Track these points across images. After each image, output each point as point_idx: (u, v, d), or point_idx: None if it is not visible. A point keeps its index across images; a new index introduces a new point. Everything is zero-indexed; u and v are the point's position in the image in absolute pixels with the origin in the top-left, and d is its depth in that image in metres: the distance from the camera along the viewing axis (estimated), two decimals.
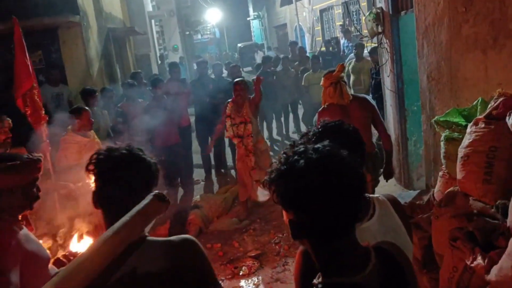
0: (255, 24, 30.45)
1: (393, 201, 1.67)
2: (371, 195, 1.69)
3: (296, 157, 1.13)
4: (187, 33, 24.05)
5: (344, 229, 1.14)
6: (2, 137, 3.94)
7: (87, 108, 4.75)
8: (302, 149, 1.16)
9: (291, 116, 9.24)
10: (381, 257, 1.18)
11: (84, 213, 3.25)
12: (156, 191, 1.46)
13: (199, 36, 34.57)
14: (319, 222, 1.10)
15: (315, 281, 1.17)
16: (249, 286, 4.21)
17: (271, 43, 24.73)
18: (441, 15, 3.67)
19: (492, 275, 2.01)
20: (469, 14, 3.37)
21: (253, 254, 4.71)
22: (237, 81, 5.60)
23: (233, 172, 7.41)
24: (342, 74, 3.90)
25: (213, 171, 7.43)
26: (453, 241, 2.38)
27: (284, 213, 1.19)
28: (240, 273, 4.40)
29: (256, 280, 4.28)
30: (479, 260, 2.16)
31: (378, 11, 5.31)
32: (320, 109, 4.03)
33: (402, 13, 4.91)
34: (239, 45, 26.75)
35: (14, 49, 4.06)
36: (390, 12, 5.06)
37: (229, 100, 5.60)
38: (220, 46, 35.05)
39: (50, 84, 6.99)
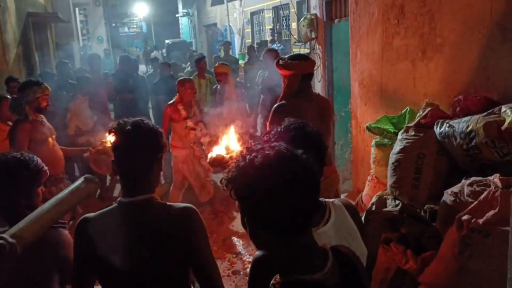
0: (184, 22, 29.99)
1: (348, 206, 1.69)
2: (326, 200, 1.69)
3: (253, 154, 1.13)
4: (114, 25, 23.11)
5: (302, 225, 1.14)
6: (44, 104, 3.95)
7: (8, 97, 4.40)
8: (259, 146, 1.17)
9: None
10: (337, 257, 1.19)
11: None
12: (87, 175, 1.69)
13: (126, 29, 33.41)
14: (277, 217, 1.10)
15: (272, 281, 1.16)
16: None
17: (200, 41, 24.53)
18: (374, 25, 3.82)
19: (424, 277, 2.10)
20: (401, 26, 3.53)
21: None
22: (187, 79, 5.39)
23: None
24: None
25: None
26: (386, 244, 2.47)
27: (240, 210, 1.17)
28: None
29: None
30: (411, 262, 2.25)
31: (313, 17, 5.44)
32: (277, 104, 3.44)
33: (336, 20, 5.06)
34: (166, 41, 26.20)
35: None
36: (324, 19, 5.19)
37: (170, 102, 5.24)
38: (146, 41, 34.08)
39: None
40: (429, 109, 3.00)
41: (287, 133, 1.61)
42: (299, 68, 3.21)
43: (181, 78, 5.54)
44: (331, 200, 1.70)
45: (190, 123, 5.17)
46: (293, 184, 1.09)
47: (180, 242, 1.63)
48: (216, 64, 5.95)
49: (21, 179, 1.81)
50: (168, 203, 1.77)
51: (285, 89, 3.31)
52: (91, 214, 1.70)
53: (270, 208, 1.08)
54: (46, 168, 1.96)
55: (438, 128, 2.80)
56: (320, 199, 1.66)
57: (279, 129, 1.65)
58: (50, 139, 4.00)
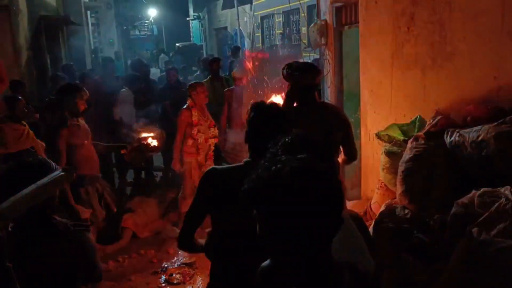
0: (194, 25, 30.14)
1: (355, 217, 1.68)
2: None
3: (279, 165, 1.10)
4: (124, 27, 23.31)
5: (327, 242, 1.11)
6: (82, 108, 4.14)
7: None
8: (284, 158, 1.13)
9: None
10: (353, 275, 1.17)
11: None
12: (65, 167, 1.80)
13: (137, 32, 33.65)
14: (304, 233, 1.06)
15: None
16: None
17: (210, 45, 24.63)
18: (385, 33, 3.80)
19: (436, 287, 2.08)
20: (411, 34, 3.52)
21: (188, 262, 4.58)
22: (199, 83, 5.30)
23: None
24: None
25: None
26: (396, 253, 2.45)
27: (261, 223, 1.12)
28: (175, 282, 4.26)
29: None
30: (421, 273, 2.23)
31: (323, 23, 5.42)
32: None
33: (346, 27, 5.04)
34: (177, 44, 26.35)
35: None
36: (334, 25, 5.18)
37: (184, 106, 5.16)
38: (157, 44, 34.29)
39: None
40: (439, 117, 2.99)
41: (292, 144, 1.61)
42: (297, 80, 3.09)
43: (193, 82, 5.46)
44: None
45: (196, 131, 5.08)
46: (324, 199, 1.07)
47: None
48: (235, 70, 5.93)
49: None
50: None
51: (285, 99, 3.28)
52: (220, 167, 2.27)
53: (299, 221, 1.05)
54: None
55: (448, 137, 2.78)
56: None
57: (287, 140, 1.64)
58: (86, 142, 4.17)
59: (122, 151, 4.41)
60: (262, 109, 2.23)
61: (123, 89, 6.33)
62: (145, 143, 4.31)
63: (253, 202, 1.11)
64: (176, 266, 4.54)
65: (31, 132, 4.16)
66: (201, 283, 4.23)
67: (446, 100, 3.19)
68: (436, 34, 3.25)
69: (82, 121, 4.24)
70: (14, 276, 1.45)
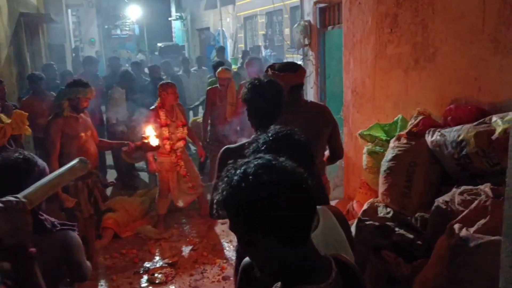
0: (176, 25, 29.94)
1: (337, 213, 1.69)
2: None
3: (244, 167, 1.13)
4: (106, 27, 23.04)
5: (304, 231, 1.13)
6: (83, 105, 4.18)
7: None
8: (244, 160, 1.18)
9: None
10: (340, 267, 1.18)
11: None
12: (81, 157, 1.79)
13: (118, 31, 33.25)
14: (283, 224, 1.08)
15: None
16: None
17: (193, 45, 24.51)
18: (368, 33, 3.85)
19: (415, 285, 2.11)
20: (394, 35, 3.57)
21: (170, 261, 4.55)
22: (170, 83, 5.27)
23: (144, 175, 7.25)
24: None
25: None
26: (376, 251, 2.48)
27: (235, 224, 1.14)
28: (157, 281, 4.22)
29: None
30: (402, 269, 2.26)
31: (306, 24, 5.47)
32: None
33: (329, 27, 5.09)
34: (159, 44, 26.13)
35: None
36: (318, 26, 5.22)
37: (152, 107, 5.16)
38: (139, 43, 33.95)
39: None
40: (421, 117, 3.03)
41: (275, 141, 1.61)
42: (286, 80, 2.98)
43: (164, 82, 5.40)
44: (319, 207, 1.70)
45: (165, 131, 5.07)
46: (291, 190, 1.09)
47: None
48: (220, 70, 5.92)
49: (34, 176, 1.84)
50: None
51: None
52: (232, 145, 2.42)
53: (275, 216, 1.07)
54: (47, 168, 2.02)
55: (430, 136, 2.82)
56: None
57: (267, 137, 1.64)
58: (82, 134, 4.18)
59: (124, 149, 4.38)
60: (260, 86, 2.35)
61: (114, 88, 6.38)
62: (147, 142, 4.28)
63: (228, 210, 1.13)
64: (158, 266, 4.51)
65: (8, 129, 4.11)
66: (183, 283, 4.20)
67: (427, 101, 3.24)
68: (418, 35, 3.30)
69: (84, 116, 4.27)
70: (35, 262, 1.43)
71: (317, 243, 1.54)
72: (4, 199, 1.27)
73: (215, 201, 1.18)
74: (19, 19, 8.94)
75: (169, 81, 5.70)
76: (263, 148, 1.58)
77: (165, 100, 5.07)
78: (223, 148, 2.40)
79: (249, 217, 1.10)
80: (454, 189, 2.49)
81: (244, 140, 2.35)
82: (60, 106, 4.11)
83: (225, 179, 1.14)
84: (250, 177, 1.09)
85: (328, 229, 1.59)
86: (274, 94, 2.40)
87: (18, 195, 1.33)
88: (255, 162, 1.13)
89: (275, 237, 1.09)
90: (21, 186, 1.69)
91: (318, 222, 1.59)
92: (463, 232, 2.10)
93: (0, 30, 7.64)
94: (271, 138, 1.62)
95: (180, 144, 5.23)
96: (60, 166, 4.08)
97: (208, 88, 6.17)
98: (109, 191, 5.55)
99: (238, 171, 1.12)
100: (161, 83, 5.31)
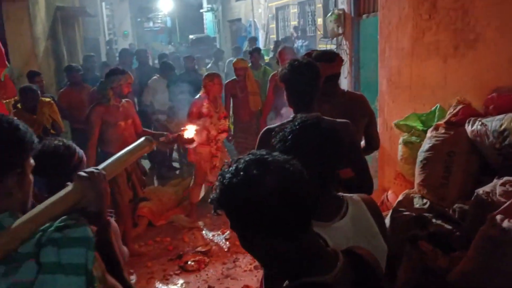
0: (208, 17, 30.06)
1: (369, 201, 1.65)
2: (344, 195, 1.66)
3: (235, 165, 1.12)
4: (138, 19, 23.37)
5: (300, 224, 1.10)
6: (125, 90, 4.29)
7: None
8: (235, 159, 1.15)
9: None
10: (351, 259, 1.16)
11: None
12: (147, 136, 1.81)
13: (151, 24, 33.66)
14: (277, 218, 1.06)
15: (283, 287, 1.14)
16: (198, 282, 4.11)
17: (224, 36, 24.57)
18: (405, 20, 3.75)
19: (453, 276, 2.06)
20: (433, 21, 3.46)
21: (203, 250, 4.61)
22: (216, 74, 5.25)
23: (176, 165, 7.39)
24: None
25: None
26: (413, 242, 2.43)
27: (235, 224, 1.14)
28: (190, 269, 4.29)
29: (206, 276, 4.19)
30: (440, 261, 2.21)
31: (340, 12, 5.38)
32: None
33: (364, 16, 4.99)
34: (190, 36, 26.30)
35: None
36: (352, 15, 5.13)
37: (196, 97, 5.14)
38: (171, 36, 34.29)
39: None
40: (460, 106, 2.94)
41: (301, 130, 1.59)
42: (322, 70, 2.82)
43: (210, 72, 5.39)
44: (349, 194, 1.67)
45: (209, 122, 5.05)
46: (283, 185, 1.07)
47: None
48: (235, 60, 5.93)
49: (74, 163, 1.88)
50: None
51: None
52: (273, 125, 2.36)
53: (266, 213, 1.06)
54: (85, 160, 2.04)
55: (470, 126, 2.74)
56: (338, 193, 1.64)
57: (293, 126, 1.62)
58: (122, 123, 4.32)
59: (161, 139, 4.49)
60: (299, 66, 2.36)
61: (155, 77, 6.54)
62: (182, 134, 4.32)
63: (223, 209, 1.12)
64: (191, 253, 4.58)
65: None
66: (215, 271, 4.25)
67: (467, 89, 3.14)
68: (458, 21, 3.19)
69: (126, 105, 4.40)
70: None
71: (345, 231, 1.53)
72: (87, 170, 1.34)
73: (210, 200, 1.17)
74: (56, 13, 9.19)
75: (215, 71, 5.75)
76: (289, 137, 1.56)
77: (210, 90, 5.02)
78: (264, 129, 2.40)
79: (241, 214, 1.09)
80: (495, 180, 2.41)
81: (284, 121, 2.32)
82: (105, 96, 4.25)
83: (220, 177, 1.12)
84: (241, 173, 1.07)
85: (356, 217, 1.57)
86: (312, 75, 2.38)
87: (98, 167, 1.40)
88: (247, 158, 1.11)
89: (269, 234, 1.08)
90: (61, 172, 1.74)
91: (347, 209, 1.57)
92: (505, 223, 2.03)
93: (38, 24, 7.87)
94: (297, 127, 1.59)
95: (223, 135, 5.24)
96: (98, 152, 4.24)
97: (226, 81, 6.14)
98: None
99: (230, 168, 1.11)
100: (207, 73, 5.32)
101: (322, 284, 1.08)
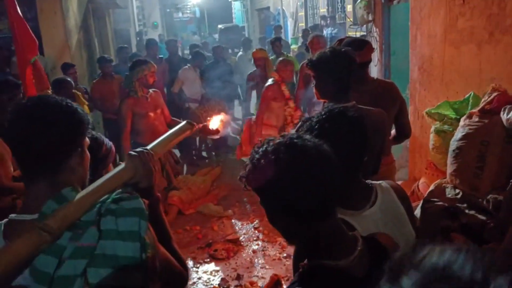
0: (236, 6, 30.01)
1: (398, 189, 1.63)
2: (374, 182, 1.65)
3: (265, 146, 1.15)
4: (168, 10, 23.54)
5: (323, 210, 1.12)
6: (151, 80, 4.35)
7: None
8: (269, 139, 1.18)
9: None
10: (370, 246, 1.17)
11: None
12: (188, 120, 1.87)
13: (180, 14, 33.90)
14: (299, 203, 1.08)
15: (301, 263, 1.17)
16: (227, 269, 4.17)
17: (252, 25, 24.50)
18: (437, 6, 3.64)
19: None
20: (466, 7, 3.35)
21: (232, 238, 4.66)
22: (289, 60, 5.34)
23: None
24: None
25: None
26: (444, 233, 2.39)
27: (263, 203, 1.17)
28: (219, 257, 4.35)
29: (235, 264, 4.24)
30: None
31: None
32: None
33: (395, 2, 4.88)
34: (219, 26, 26.34)
35: (8, 14, 3.86)
36: (382, 1, 5.03)
37: (269, 82, 5.17)
38: (199, 26, 34.45)
39: None
40: (495, 94, 2.85)
41: (328, 119, 1.57)
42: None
43: (284, 58, 5.49)
44: (378, 182, 1.65)
45: (292, 105, 5.12)
46: (308, 169, 1.09)
47: None
48: (254, 50, 5.95)
49: (102, 154, 1.92)
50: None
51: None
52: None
53: (293, 194, 1.08)
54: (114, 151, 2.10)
55: (506, 114, 2.65)
56: (367, 181, 1.63)
57: (320, 115, 1.61)
58: (151, 113, 4.43)
59: None
60: (333, 54, 2.34)
61: (185, 67, 6.65)
62: (207, 125, 4.37)
63: (251, 184, 1.15)
64: (220, 242, 4.63)
65: None
66: (244, 259, 4.29)
67: (503, 76, 3.04)
68: (494, 6, 3.08)
69: (155, 95, 4.49)
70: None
71: (375, 219, 1.52)
72: (138, 149, 1.42)
73: (239, 176, 1.21)
74: (87, 5, 9.36)
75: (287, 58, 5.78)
76: (316, 126, 1.55)
77: (283, 75, 5.09)
78: (302, 119, 2.43)
79: (263, 194, 1.13)
80: None
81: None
82: (132, 89, 4.34)
83: (250, 155, 1.17)
84: (269, 154, 1.10)
85: (386, 205, 1.56)
86: (349, 63, 2.35)
87: (147, 147, 1.49)
88: (277, 141, 1.14)
89: (290, 216, 1.10)
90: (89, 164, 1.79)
91: (376, 197, 1.56)
92: None
93: (71, 17, 8.05)
94: (324, 116, 1.58)
95: (297, 114, 5.25)
96: (131, 143, 4.34)
97: (249, 73, 6.23)
98: None
99: (260, 149, 1.14)
100: (281, 59, 5.41)
101: (336, 268, 1.11)
